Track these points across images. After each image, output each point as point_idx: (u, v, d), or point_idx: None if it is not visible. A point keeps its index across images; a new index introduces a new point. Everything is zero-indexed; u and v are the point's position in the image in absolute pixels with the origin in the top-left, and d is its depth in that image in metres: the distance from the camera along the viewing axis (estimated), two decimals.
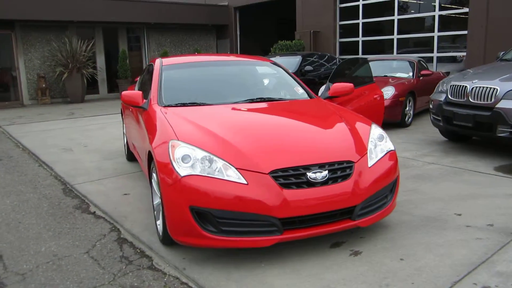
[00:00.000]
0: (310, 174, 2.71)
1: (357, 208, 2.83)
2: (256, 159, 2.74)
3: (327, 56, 11.04)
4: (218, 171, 2.67)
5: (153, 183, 3.29)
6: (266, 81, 4.43)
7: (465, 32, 10.54)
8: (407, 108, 7.77)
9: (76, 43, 13.50)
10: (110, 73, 15.53)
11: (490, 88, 5.08)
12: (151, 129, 3.36)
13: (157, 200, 3.24)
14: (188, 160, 2.73)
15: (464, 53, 10.73)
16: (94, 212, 3.96)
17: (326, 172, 2.75)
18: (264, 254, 2.92)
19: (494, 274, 2.56)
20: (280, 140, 3.01)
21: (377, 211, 2.98)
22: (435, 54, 11.41)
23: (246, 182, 2.62)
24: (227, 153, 2.78)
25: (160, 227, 3.10)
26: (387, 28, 12.59)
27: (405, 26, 12.22)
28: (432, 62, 11.37)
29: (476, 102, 5.22)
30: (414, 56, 9.19)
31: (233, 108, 3.69)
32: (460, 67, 10.92)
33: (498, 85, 5.03)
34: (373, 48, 13.09)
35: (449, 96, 5.66)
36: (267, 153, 2.81)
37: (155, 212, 3.33)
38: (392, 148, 3.25)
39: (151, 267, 2.86)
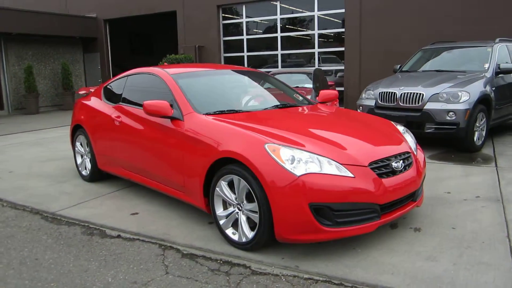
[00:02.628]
0: (393, 164, 3.10)
1: (418, 191, 3.34)
2: (351, 154, 3.00)
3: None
4: (326, 168, 2.84)
5: (220, 193, 3.20)
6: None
7: (343, 49, 12.27)
8: None
9: None
10: None
11: (417, 93, 6.25)
12: (206, 139, 3.27)
13: (231, 210, 3.19)
14: (295, 160, 2.83)
15: (343, 67, 12.44)
16: (119, 235, 3.56)
17: (402, 161, 3.18)
18: (346, 242, 3.17)
19: None
20: (352, 137, 3.31)
21: (422, 192, 3.53)
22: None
23: (353, 175, 2.86)
24: (323, 151, 2.96)
25: (244, 234, 3.06)
26: (271, 44, 13.70)
27: (288, 42, 13.50)
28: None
29: (406, 105, 6.34)
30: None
31: (276, 113, 3.84)
32: (340, 80, 12.65)
33: (423, 91, 6.23)
34: (258, 62, 14.05)
35: (379, 101, 6.70)
36: (355, 149, 3.09)
37: (222, 222, 3.24)
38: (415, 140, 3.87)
39: (258, 273, 2.83)
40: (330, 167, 2.85)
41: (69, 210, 4.19)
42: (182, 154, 3.51)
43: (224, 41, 14.33)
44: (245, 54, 14.10)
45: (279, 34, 13.43)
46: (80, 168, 5.26)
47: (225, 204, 3.27)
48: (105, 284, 2.75)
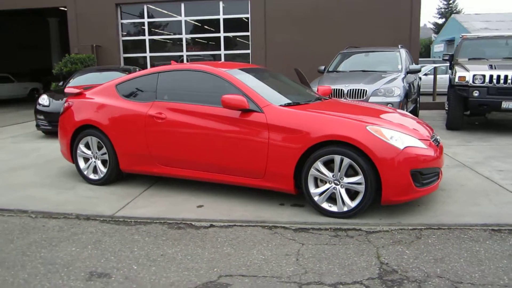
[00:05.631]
0: (437, 137, 4.07)
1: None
2: (417, 132, 3.86)
3: None
4: (413, 142, 3.63)
5: (316, 173, 3.69)
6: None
7: (248, 51, 13.16)
8: None
9: None
10: None
11: (362, 89, 7.49)
12: (298, 126, 3.73)
13: (326, 186, 3.71)
14: (393, 137, 3.55)
15: None
16: (211, 224, 3.72)
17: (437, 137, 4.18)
18: (409, 202, 4.02)
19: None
20: (403, 121, 4.15)
21: None
22: None
23: (426, 147, 3.72)
24: (403, 129, 3.75)
25: (345, 204, 3.64)
26: (176, 45, 13.77)
27: (194, 44, 13.76)
28: None
29: (353, 100, 7.53)
30: None
31: (326, 104, 4.47)
32: None
33: (366, 87, 7.49)
34: (161, 63, 13.95)
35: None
36: (414, 129, 3.95)
37: (316, 198, 3.74)
38: None
39: (371, 232, 3.45)
40: (415, 141, 3.66)
41: (124, 211, 4.07)
42: (266, 143, 3.86)
43: (124, 41, 13.81)
44: (148, 54, 13.86)
45: (184, 36, 13.61)
46: (85, 172, 4.93)
47: (316, 183, 3.78)
48: (265, 258, 3.03)
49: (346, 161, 3.59)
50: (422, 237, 3.34)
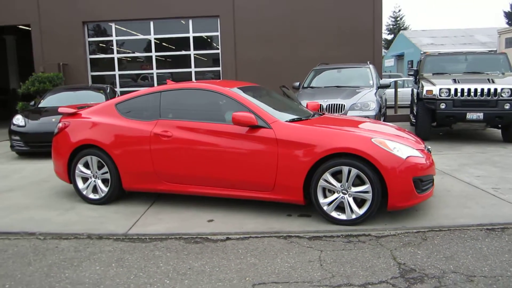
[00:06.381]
0: (428, 147, 4.44)
1: None
2: (412, 142, 4.20)
3: None
4: (412, 152, 3.95)
5: (325, 184, 3.92)
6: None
7: (219, 68, 13.36)
8: None
9: None
10: None
11: (340, 104, 7.88)
12: (306, 140, 3.96)
13: (334, 196, 3.94)
14: (396, 148, 3.86)
15: None
16: (228, 237, 3.84)
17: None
18: (407, 209, 4.34)
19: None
20: (391, 131, 4.47)
21: None
22: None
23: (422, 156, 4.06)
24: (402, 140, 4.08)
25: (354, 211, 3.88)
26: (145, 63, 13.73)
27: (164, 62, 13.78)
28: None
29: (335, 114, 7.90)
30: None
31: (324, 119, 4.72)
32: None
33: (344, 102, 7.90)
34: (132, 82, 13.85)
35: None
36: (406, 138, 4.30)
37: (326, 208, 3.96)
38: None
39: (381, 236, 3.72)
40: (413, 151, 3.99)
41: (136, 229, 4.10)
42: (275, 157, 4.06)
43: (92, 59, 13.61)
44: (117, 72, 13.72)
45: (153, 54, 13.61)
46: (85, 192, 4.89)
47: (324, 193, 4.01)
48: (290, 266, 3.20)
49: (354, 171, 3.85)
50: (428, 238, 3.64)
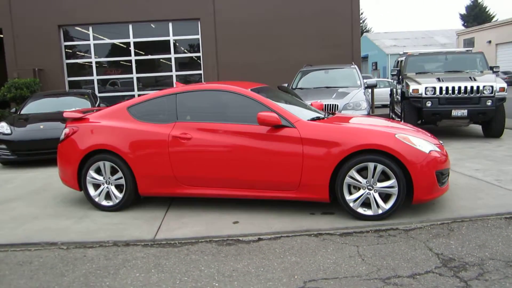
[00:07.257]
0: (440, 142, 4.62)
1: None
2: (429, 137, 4.36)
3: None
4: (432, 147, 4.10)
5: (351, 180, 4.00)
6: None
7: (200, 71, 13.27)
8: None
9: None
10: None
11: (334, 104, 8.03)
12: (331, 138, 4.03)
13: (360, 192, 4.03)
14: (418, 143, 4.00)
15: None
16: (259, 238, 3.84)
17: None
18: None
19: None
20: (404, 128, 4.62)
21: None
22: None
23: (439, 150, 4.22)
24: (421, 136, 4.23)
25: (380, 206, 3.98)
26: (126, 67, 13.43)
27: (144, 66, 13.51)
28: None
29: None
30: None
31: (340, 118, 4.83)
32: None
33: (337, 102, 8.06)
34: (110, 86, 13.50)
35: None
36: (421, 134, 4.45)
37: (352, 205, 4.04)
38: None
39: (408, 229, 3.83)
40: (433, 146, 4.14)
41: (162, 234, 4.02)
42: (300, 156, 4.10)
43: (69, 64, 13.18)
44: (95, 77, 13.35)
45: (133, 57, 13.35)
46: (97, 199, 4.75)
47: (349, 190, 4.09)
48: (333, 262, 3.25)
49: (380, 167, 3.95)
50: (454, 229, 3.79)
